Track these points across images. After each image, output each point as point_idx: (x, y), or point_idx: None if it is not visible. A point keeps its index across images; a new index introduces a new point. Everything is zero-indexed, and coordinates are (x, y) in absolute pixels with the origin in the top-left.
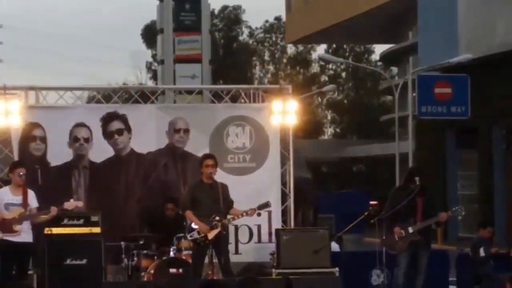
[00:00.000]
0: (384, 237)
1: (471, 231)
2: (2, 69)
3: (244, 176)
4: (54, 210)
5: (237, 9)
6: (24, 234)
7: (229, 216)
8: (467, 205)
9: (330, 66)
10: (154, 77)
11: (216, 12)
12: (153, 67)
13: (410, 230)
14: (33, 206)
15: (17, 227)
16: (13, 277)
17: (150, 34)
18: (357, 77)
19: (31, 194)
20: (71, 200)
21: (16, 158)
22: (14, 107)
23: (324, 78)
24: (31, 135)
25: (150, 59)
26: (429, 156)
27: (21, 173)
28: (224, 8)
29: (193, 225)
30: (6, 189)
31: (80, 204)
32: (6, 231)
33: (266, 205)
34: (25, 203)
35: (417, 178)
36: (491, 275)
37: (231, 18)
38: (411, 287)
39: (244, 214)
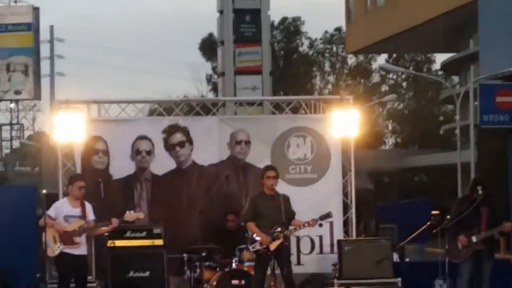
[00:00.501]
0: (447, 247)
1: None
2: (65, 83)
3: (306, 187)
4: (115, 222)
5: (297, 20)
6: (82, 247)
7: (291, 227)
8: None
9: (391, 75)
10: (214, 89)
11: (275, 24)
12: (213, 80)
13: (474, 239)
14: (91, 218)
15: (77, 239)
16: None
17: (208, 46)
18: (418, 86)
19: (88, 206)
20: (132, 212)
21: (78, 171)
22: (77, 121)
23: (384, 88)
24: (94, 149)
25: (210, 72)
26: (491, 165)
27: (81, 187)
28: (284, 19)
29: (255, 237)
30: (65, 201)
31: (141, 215)
32: (67, 243)
33: (328, 215)
34: (84, 215)
35: (480, 188)
36: None
37: (291, 30)
38: None
39: (306, 225)
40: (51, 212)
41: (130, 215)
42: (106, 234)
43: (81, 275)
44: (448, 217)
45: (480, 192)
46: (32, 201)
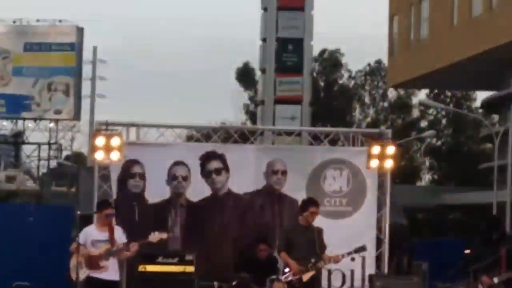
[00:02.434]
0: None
1: None
2: (106, 105)
3: (340, 220)
4: (134, 246)
5: (336, 52)
6: (111, 271)
7: (322, 262)
8: None
9: (431, 111)
10: (252, 118)
11: (315, 54)
12: (250, 109)
13: (496, 280)
14: (121, 242)
15: (103, 263)
16: None
17: (245, 75)
18: (457, 123)
19: (118, 230)
20: (156, 233)
21: (114, 194)
22: (115, 143)
23: (424, 123)
24: (131, 172)
25: (247, 101)
26: None
27: (108, 214)
28: (323, 51)
29: (286, 268)
30: (93, 226)
31: (165, 236)
32: (92, 268)
33: (362, 248)
34: (111, 239)
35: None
36: None
37: (332, 61)
38: None
39: (331, 260)
40: (80, 238)
41: (154, 236)
42: (138, 258)
43: None
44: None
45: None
46: (69, 220)
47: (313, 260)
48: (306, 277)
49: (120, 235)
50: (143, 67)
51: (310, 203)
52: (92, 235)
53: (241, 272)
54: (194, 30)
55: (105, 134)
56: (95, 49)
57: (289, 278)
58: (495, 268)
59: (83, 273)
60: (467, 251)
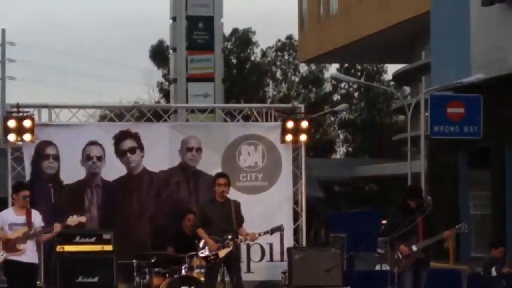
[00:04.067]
0: (386, 256)
1: (484, 251)
2: (15, 87)
3: (257, 195)
4: (57, 227)
5: (248, 31)
6: (29, 254)
7: (240, 237)
8: (480, 225)
9: (343, 85)
10: (165, 96)
11: (227, 35)
12: (164, 87)
13: (414, 248)
14: (38, 225)
15: (20, 246)
16: None
17: (158, 53)
18: (369, 96)
19: (35, 213)
20: (74, 216)
21: (28, 176)
22: (27, 124)
23: (336, 97)
24: (44, 153)
25: (161, 79)
26: (441, 176)
27: (25, 196)
28: (235, 31)
29: (202, 244)
30: (10, 210)
31: (83, 219)
32: (10, 251)
33: (279, 228)
34: (29, 223)
35: (415, 196)
36: None
37: (243, 40)
38: None
39: (247, 238)
40: None
41: (72, 219)
42: (55, 239)
43: (30, 282)
44: (383, 227)
45: (416, 201)
46: None
47: (229, 237)
48: (222, 253)
49: (38, 219)
50: (53, 47)
51: (216, 176)
52: (9, 218)
53: (168, 247)
54: (106, 8)
55: (17, 116)
56: (3, 31)
57: (205, 254)
58: (413, 237)
59: (1, 256)
60: (384, 221)
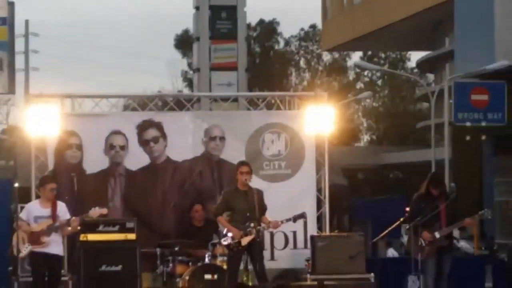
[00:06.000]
0: (410, 243)
1: (508, 237)
2: (39, 77)
3: (280, 183)
4: (74, 221)
5: (273, 23)
6: (54, 245)
7: (263, 224)
8: (504, 212)
9: (366, 73)
10: (190, 85)
11: (252, 25)
12: (188, 76)
13: (437, 235)
14: (64, 217)
15: (44, 239)
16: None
17: (183, 43)
18: (393, 84)
19: (61, 205)
20: (96, 208)
21: (51, 166)
22: (50, 114)
23: (360, 85)
24: (67, 143)
25: (185, 68)
26: (465, 163)
27: (52, 189)
28: (261, 22)
29: (227, 231)
30: (36, 202)
31: (105, 211)
32: (34, 243)
33: (301, 216)
34: (54, 215)
35: (437, 184)
36: None
37: (267, 30)
38: None
39: (270, 226)
40: (23, 214)
41: (94, 212)
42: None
43: (54, 274)
44: (407, 214)
45: (438, 188)
46: (8, 194)
47: (252, 225)
48: (245, 241)
49: (63, 211)
50: (78, 39)
51: (239, 164)
52: (34, 211)
53: (184, 238)
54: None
55: (40, 106)
56: (27, 22)
57: (227, 242)
58: (435, 224)
59: (26, 249)
60: (407, 208)
